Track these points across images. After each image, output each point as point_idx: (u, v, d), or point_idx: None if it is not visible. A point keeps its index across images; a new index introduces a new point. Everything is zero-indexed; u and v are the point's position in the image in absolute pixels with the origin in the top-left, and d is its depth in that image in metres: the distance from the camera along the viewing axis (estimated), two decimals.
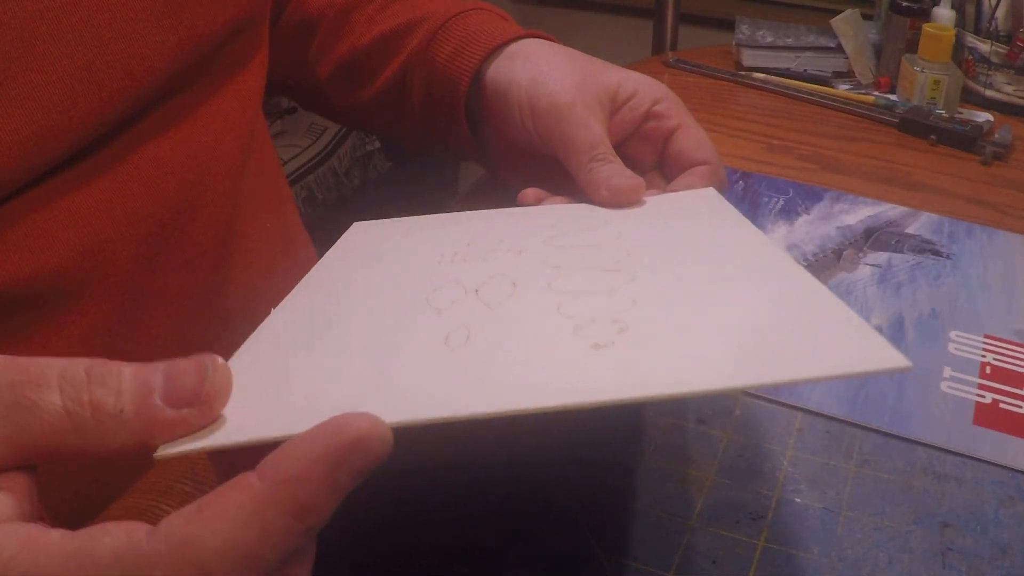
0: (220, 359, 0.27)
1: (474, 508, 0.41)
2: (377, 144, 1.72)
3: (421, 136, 0.58)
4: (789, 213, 0.66)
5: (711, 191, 0.47)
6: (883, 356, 0.27)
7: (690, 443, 0.45)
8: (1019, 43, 0.84)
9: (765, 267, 0.36)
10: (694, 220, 0.44)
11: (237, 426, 0.26)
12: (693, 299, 0.34)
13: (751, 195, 0.68)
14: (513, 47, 0.52)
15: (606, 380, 0.28)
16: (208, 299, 0.48)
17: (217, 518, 0.22)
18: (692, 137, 0.49)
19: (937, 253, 0.61)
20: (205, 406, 0.26)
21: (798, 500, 0.41)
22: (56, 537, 0.23)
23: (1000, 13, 0.86)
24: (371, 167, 1.68)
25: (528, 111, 0.49)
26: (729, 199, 0.46)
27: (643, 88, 0.49)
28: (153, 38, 0.40)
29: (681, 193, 0.47)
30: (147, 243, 0.43)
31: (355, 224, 0.48)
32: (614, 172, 0.46)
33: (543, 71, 0.49)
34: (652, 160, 0.51)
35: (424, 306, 0.35)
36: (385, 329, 0.34)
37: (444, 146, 0.58)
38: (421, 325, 0.34)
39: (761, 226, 0.64)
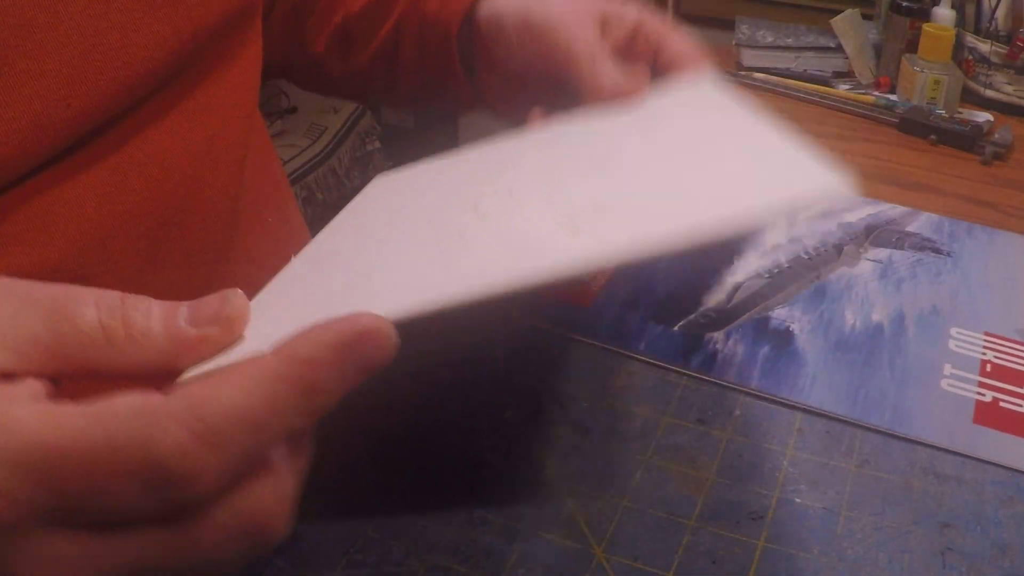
0: (239, 290, 0.29)
1: (475, 507, 0.41)
2: (377, 144, 1.72)
3: (417, 92, 0.60)
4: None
5: (707, 76, 0.48)
6: (827, 182, 0.32)
7: (690, 443, 0.45)
8: (1019, 43, 0.84)
9: (739, 138, 0.41)
10: (686, 112, 0.46)
11: (256, 343, 0.28)
12: (668, 177, 0.38)
13: None
14: None
15: (579, 256, 0.32)
16: (210, 294, 0.48)
17: (229, 384, 0.24)
18: (679, 44, 0.51)
19: (937, 251, 0.61)
20: (226, 325, 0.28)
21: (798, 500, 0.41)
22: (74, 405, 0.25)
23: (1000, 13, 0.85)
24: (371, 167, 1.68)
25: (524, 29, 0.50)
26: None
27: (627, 10, 0.52)
28: (149, 27, 0.40)
29: (678, 84, 0.49)
30: (148, 238, 0.43)
31: (377, 176, 0.50)
32: (617, 73, 0.47)
33: None
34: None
35: (424, 224, 0.39)
36: (384, 252, 0.37)
37: (439, 97, 0.59)
38: (417, 239, 0.37)
39: None
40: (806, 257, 0.60)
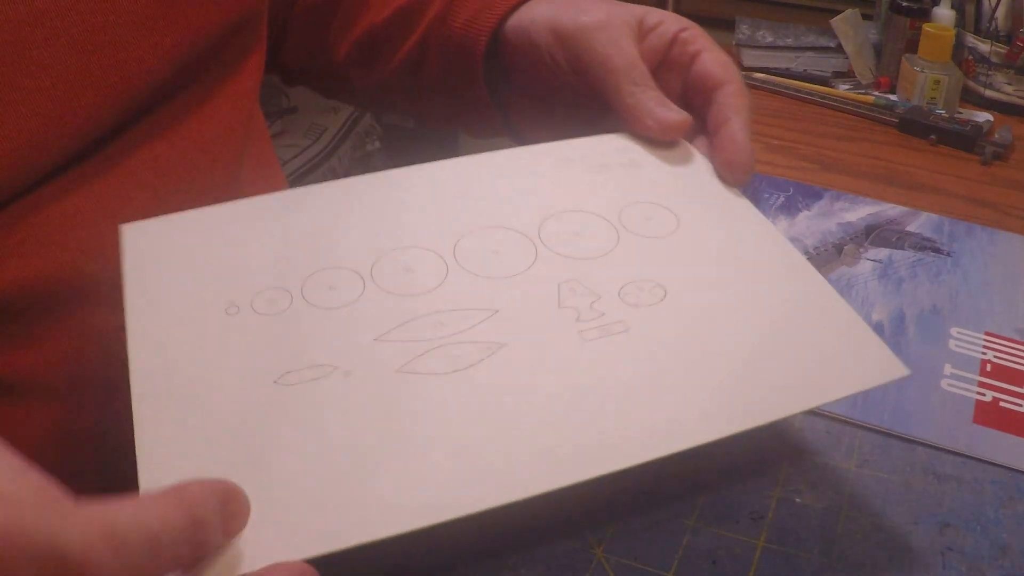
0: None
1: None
2: (377, 144, 1.72)
3: (441, 111, 0.57)
4: (790, 209, 0.66)
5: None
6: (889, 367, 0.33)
7: None
8: (1019, 43, 0.84)
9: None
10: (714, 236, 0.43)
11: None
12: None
13: (751, 191, 0.68)
14: (533, 2, 0.51)
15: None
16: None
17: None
18: (715, 59, 0.48)
19: (937, 251, 0.61)
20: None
21: (798, 500, 0.41)
22: None
23: (1000, 13, 0.85)
24: (371, 167, 1.68)
25: (555, 40, 0.47)
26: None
27: (668, 18, 0.49)
28: (148, 41, 0.40)
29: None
30: None
31: (123, 228, 0.38)
32: (660, 102, 0.45)
33: (566, 5, 0.48)
34: (677, 89, 0.50)
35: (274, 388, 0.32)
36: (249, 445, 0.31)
37: (464, 117, 0.57)
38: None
39: None
40: (806, 256, 0.60)
